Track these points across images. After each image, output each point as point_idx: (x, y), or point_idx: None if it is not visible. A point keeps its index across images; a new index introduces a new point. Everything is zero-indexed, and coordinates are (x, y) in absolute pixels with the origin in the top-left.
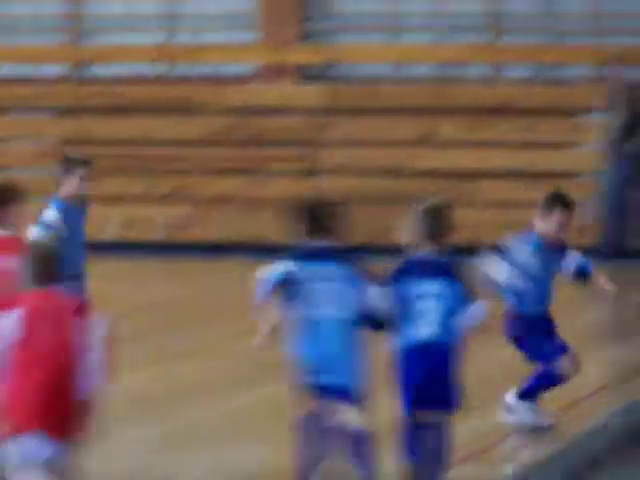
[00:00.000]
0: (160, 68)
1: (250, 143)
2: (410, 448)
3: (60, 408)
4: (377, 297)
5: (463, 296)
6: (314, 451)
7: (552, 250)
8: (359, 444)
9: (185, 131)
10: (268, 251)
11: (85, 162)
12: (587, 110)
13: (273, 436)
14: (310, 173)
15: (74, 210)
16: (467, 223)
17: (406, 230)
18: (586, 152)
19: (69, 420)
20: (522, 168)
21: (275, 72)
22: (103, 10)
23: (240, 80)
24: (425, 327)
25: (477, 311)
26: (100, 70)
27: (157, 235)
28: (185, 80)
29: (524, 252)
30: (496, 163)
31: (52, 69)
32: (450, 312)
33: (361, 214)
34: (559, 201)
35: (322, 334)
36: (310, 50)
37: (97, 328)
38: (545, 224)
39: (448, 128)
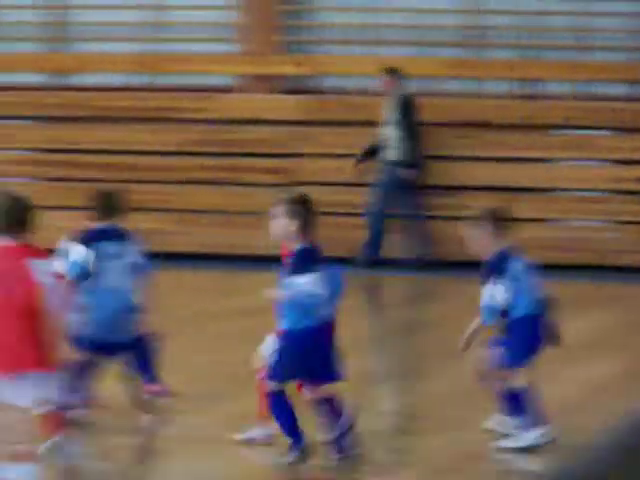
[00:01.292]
0: (140, 77)
1: (228, 154)
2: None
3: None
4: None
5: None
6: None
7: None
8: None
9: (163, 141)
10: (242, 261)
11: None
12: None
13: None
14: (288, 185)
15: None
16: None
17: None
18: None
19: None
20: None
21: (255, 83)
22: (85, 18)
23: (220, 90)
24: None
25: None
26: (81, 79)
27: None
28: (165, 90)
29: None
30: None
31: (33, 77)
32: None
33: (340, 225)
34: None
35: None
36: (290, 61)
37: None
38: None
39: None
